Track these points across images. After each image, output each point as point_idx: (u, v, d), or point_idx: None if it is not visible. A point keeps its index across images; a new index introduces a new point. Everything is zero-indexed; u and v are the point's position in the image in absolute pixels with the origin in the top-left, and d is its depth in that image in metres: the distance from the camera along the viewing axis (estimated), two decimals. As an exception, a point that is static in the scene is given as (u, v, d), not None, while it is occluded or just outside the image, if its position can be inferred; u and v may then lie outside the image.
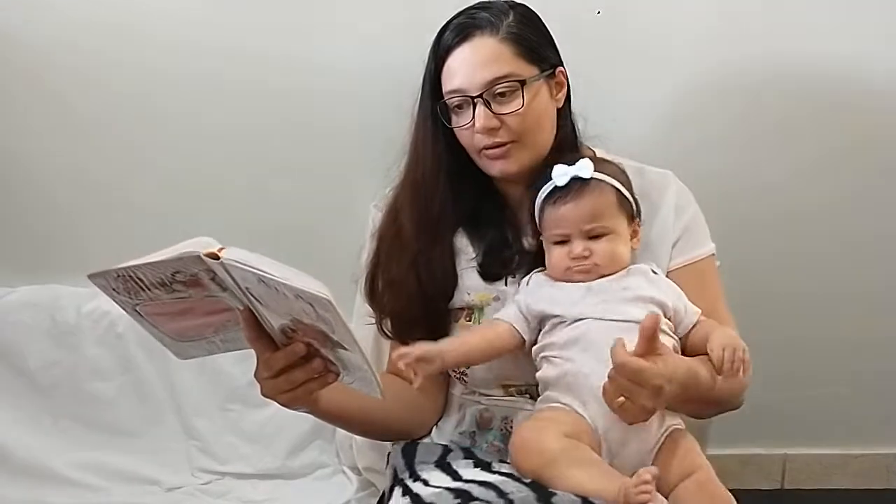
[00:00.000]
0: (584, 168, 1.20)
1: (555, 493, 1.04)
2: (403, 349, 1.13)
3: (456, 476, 1.11)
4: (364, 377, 1.00)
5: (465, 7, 1.32)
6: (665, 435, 1.15)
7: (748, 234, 1.76)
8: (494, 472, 1.12)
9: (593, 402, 1.12)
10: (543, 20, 1.32)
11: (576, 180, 1.20)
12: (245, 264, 0.90)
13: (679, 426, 1.17)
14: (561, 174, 1.20)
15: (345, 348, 0.96)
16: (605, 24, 1.66)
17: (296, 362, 1.01)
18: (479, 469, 1.16)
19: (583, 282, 1.20)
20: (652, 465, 1.10)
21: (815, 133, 1.77)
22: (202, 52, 1.69)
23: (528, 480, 1.09)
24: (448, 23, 1.30)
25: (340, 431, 1.70)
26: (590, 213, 1.19)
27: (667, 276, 1.27)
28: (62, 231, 1.77)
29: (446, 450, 1.28)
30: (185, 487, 1.68)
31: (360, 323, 1.41)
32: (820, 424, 1.97)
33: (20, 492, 1.62)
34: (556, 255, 1.22)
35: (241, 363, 1.70)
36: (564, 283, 1.22)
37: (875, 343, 1.89)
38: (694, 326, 1.21)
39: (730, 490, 1.12)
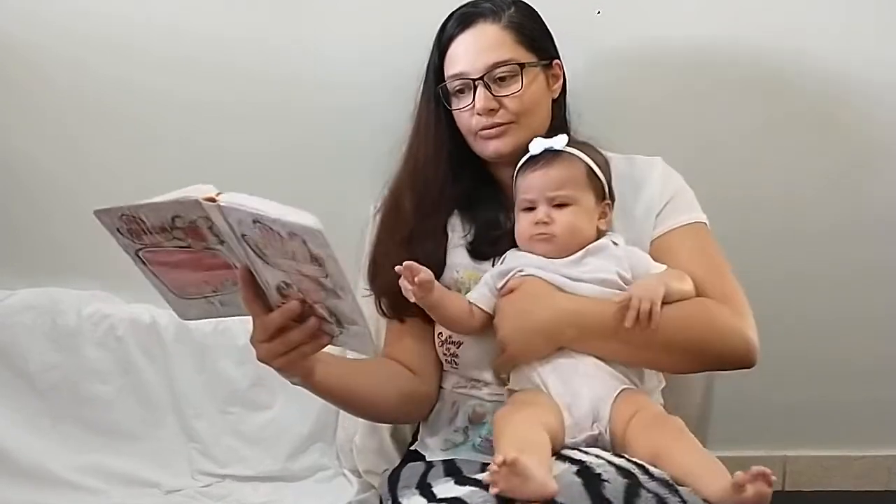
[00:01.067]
0: (558, 141, 1.27)
1: (515, 500, 1.03)
2: (416, 264, 1.17)
3: (431, 497, 1.11)
4: (358, 332, 1.01)
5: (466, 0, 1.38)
6: (618, 394, 1.18)
7: (747, 235, 1.76)
8: (467, 485, 1.11)
9: None
10: (543, 20, 1.37)
11: (548, 151, 1.27)
12: (240, 205, 0.92)
13: (629, 387, 1.21)
14: (536, 145, 1.27)
15: (338, 296, 0.97)
16: (605, 24, 1.67)
17: (291, 324, 1.04)
18: (454, 483, 1.14)
19: (543, 256, 1.26)
20: (608, 421, 1.16)
21: (816, 131, 1.77)
22: (203, 45, 1.68)
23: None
24: (451, 14, 1.37)
25: (341, 433, 1.70)
26: (556, 182, 1.25)
27: (652, 244, 1.32)
28: (62, 234, 1.76)
29: (428, 467, 1.28)
30: (184, 490, 1.68)
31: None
32: (820, 426, 1.96)
33: (19, 494, 1.61)
34: (521, 222, 1.29)
35: (241, 365, 1.71)
36: (529, 254, 1.28)
37: (876, 343, 1.89)
38: None
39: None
